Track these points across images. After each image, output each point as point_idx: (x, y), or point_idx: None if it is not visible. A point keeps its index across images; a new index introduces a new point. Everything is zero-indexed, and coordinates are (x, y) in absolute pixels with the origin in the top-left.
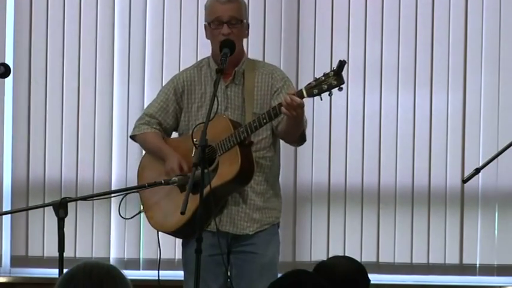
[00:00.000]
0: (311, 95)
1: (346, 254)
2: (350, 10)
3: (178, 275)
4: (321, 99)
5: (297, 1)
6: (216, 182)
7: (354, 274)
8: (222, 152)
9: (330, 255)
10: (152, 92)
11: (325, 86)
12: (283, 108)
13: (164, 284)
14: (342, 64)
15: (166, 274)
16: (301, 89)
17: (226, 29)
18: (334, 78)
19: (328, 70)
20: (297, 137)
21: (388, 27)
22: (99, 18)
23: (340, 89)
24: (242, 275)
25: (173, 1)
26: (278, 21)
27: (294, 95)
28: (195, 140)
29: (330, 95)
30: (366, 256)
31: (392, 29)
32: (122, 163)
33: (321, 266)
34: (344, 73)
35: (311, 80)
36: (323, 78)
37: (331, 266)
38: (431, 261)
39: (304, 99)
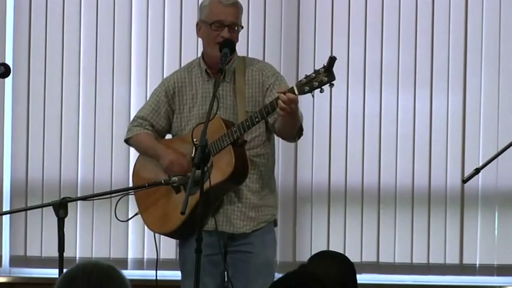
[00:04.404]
0: (302, 92)
1: (346, 254)
2: (350, 10)
3: (179, 275)
4: (313, 96)
5: (297, 1)
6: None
7: (347, 278)
8: (216, 152)
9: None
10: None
11: (316, 83)
12: (278, 110)
13: (164, 284)
14: (332, 60)
15: (166, 274)
16: (292, 87)
17: (227, 32)
18: (325, 75)
19: (319, 67)
20: (295, 133)
21: (388, 28)
22: (99, 18)
23: (331, 85)
24: (239, 274)
25: (174, 1)
26: (278, 21)
27: (285, 93)
28: (195, 140)
29: (322, 91)
30: (366, 256)
31: (392, 30)
32: (122, 163)
33: (308, 276)
34: (344, 73)
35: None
36: (313, 75)
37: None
38: (431, 261)
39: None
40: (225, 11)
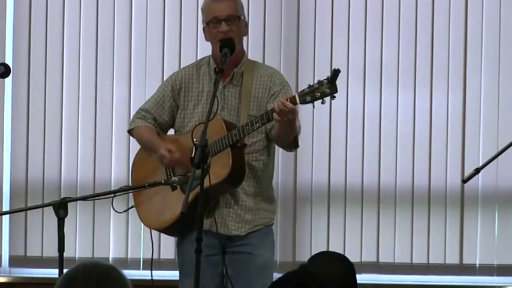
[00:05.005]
0: (304, 102)
1: (346, 254)
2: (350, 10)
3: (177, 275)
4: (313, 107)
5: (297, 1)
6: (207, 182)
7: (347, 278)
8: (214, 153)
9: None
10: (152, 92)
11: (318, 94)
12: (275, 114)
13: (164, 284)
14: (336, 73)
15: (166, 274)
16: (295, 95)
17: (225, 26)
18: (328, 87)
19: (322, 78)
20: (290, 142)
21: (388, 27)
22: (99, 18)
23: (333, 98)
24: (238, 275)
25: (174, 1)
26: (278, 21)
27: (287, 100)
28: (195, 140)
29: (323, 102)
30: (366, 256)
31: (392, 29)
32: (122, 163)
33: (308, 276)
34: (344, 72)
35: (311, 80)
36: (316, 85)
37: (322, 277)
38: (431, 261)
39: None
40: (219, 7)
